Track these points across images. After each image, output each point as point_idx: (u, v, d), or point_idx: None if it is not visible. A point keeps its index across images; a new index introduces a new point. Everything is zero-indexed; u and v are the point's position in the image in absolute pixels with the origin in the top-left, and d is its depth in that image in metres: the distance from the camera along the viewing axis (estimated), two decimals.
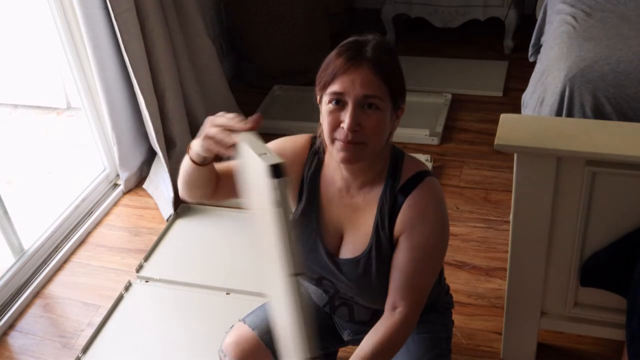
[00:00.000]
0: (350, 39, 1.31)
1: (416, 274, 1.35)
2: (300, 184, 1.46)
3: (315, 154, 1.45)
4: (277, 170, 0.99)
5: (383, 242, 1.38)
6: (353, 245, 1.43)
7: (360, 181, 1.40)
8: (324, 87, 1.29)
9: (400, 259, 1.36)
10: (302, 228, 1.46)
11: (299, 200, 1.47)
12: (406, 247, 1.35)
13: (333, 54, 1.30)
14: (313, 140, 1.47)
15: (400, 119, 1.37)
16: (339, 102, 1.27)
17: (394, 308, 1.36)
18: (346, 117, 1.26)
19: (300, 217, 1.46)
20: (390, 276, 1.37)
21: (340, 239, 1.45)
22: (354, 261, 1.42)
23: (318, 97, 1.33)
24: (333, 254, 1.45)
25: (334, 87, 1.26)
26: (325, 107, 1.29)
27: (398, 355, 1.51)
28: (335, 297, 1.54)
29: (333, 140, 1.29)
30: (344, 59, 1.26)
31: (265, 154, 1.02)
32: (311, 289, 1.61)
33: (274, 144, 1.48)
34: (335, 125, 1.28)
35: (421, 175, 1.39)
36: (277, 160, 0.99)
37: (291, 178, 1.46)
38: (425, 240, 1.35)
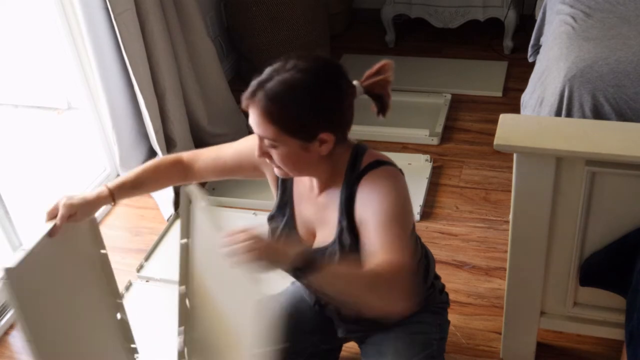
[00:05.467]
0: (265, 71, 1.32)
1: (383, 235, 1.28)
2: (277, 178, 1.51)
3: None
4: None
5: (344, 231, 1.40)
6: (323, 237, 1.45)
7: (320, 182, 1.43)
8: None
9: (366, 231, 1.32)
10: (277, 223, 1.52)
11: (276, 194, 1.53)
12: (369, 218, 1.32)
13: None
14: None
15: (333, 142, 1.32)
16: None
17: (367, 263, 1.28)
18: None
19: (277, 211, 1.52)
20: (365, 256, 1.30)
21: (313, 233, 1.49)
22: (321, 250, 1.44)
23: None
24: (305, 244, 1.48)
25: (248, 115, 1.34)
26: None
27: (387, 354, 1.52)
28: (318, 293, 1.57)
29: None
30: (244, 95, 1.32)
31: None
32: (303, 287, 1.64)
33: (254, 137, 1.47)
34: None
35: (378, 162, 1.38)
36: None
37: (269, 174, 1.53)
38: (384, 204, 1.32)
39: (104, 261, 1.70)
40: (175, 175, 1.59)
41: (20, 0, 3.42)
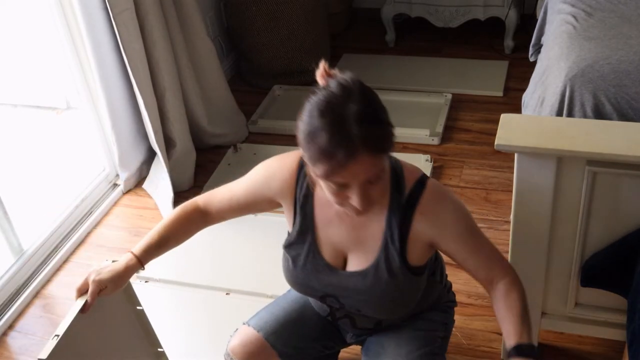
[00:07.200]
0: (328, 114, 1.17)
1: (480, 249, 1.43)
2: (294, 205, 1.46)
3: (305, 175, 1.42)
4: None
5: (391, 254, 1.38)
6: (360, 260, 1.42)
7: None
8: (320, 176, 1.23)
9: (460, 251, 1.41)
10: (298, 250, 1.47)
11: (294, 222, 1.47)
12: (454, 243, 1.40)
13: (320, 142, 1.17)
14: (301, 160, 1.42)
15: None
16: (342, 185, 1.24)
17: (492, 282, 1.42)
18: (355, 200, 1.24)
19: (296, 238, 1.47)
20: (465, 268, 1.44)
21: (343, 256, 1.45)
22: (362, 273, 1.42)
23: (306, 161, 1.26)
24: (337, 269, 1.45)
25: (335, 179, 1.21)
26: (325, 185, 1.26)
27: (389, 348, 1.52)
28: (338, 311, 1.55)
29: (341, 205, 1.29)
30: (338, 158, 1.16)
31: None
32: (312, 300, 1.62)
33: (263, 170, 1.49)
34: (342, 201, 1.27)
35: (421, 181, 1.39)
36: None
37: (286, 203, 1.47)
38: (461, 226, 1.40)
39: (142, 317, 1.68)
40: (197, 221, 1.54)
41: (20, 0, 3.42)
